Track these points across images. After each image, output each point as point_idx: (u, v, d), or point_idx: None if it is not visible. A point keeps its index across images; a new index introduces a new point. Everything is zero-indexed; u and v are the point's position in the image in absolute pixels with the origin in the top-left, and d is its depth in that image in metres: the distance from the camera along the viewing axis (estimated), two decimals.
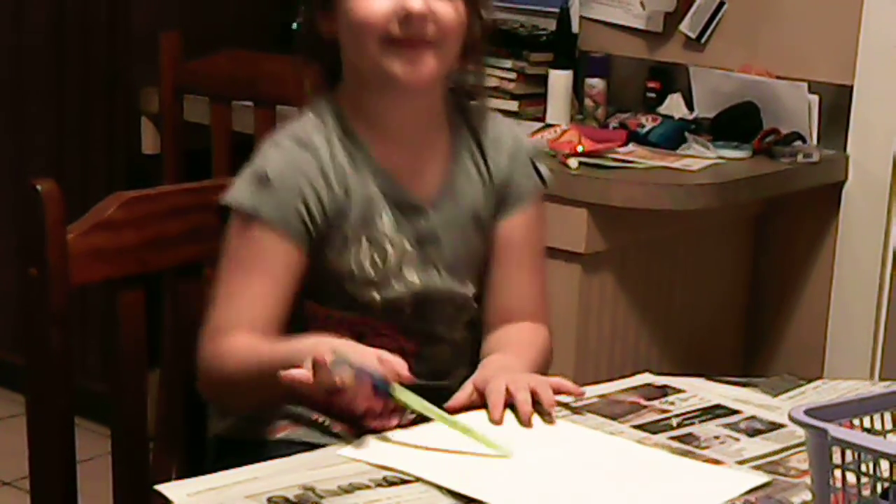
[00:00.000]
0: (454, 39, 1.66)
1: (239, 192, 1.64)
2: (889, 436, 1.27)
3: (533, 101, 3.17)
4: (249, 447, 1.65)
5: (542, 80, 3.14)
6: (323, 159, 1.65)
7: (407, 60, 1.63)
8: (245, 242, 1.62)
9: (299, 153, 1.65)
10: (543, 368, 1.71)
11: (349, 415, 1.50)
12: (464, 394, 1.58)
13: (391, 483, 1.35)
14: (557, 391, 1.58)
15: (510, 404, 1.54)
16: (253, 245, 1.62)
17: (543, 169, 1.80)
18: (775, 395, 1.69)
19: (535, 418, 1.54)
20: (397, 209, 1.68)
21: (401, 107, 1.69)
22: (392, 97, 1.67)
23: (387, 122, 1.69)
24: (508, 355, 1.67)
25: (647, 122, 2.95)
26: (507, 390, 1.54)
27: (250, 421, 1.68)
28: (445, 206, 1.71)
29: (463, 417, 1.51)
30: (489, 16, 1.73)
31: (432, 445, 1.45)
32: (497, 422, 1.51)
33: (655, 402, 1.64)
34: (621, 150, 2.84)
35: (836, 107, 3.04)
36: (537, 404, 1.54)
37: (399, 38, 1.62)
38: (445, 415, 1.48)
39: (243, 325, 1.60)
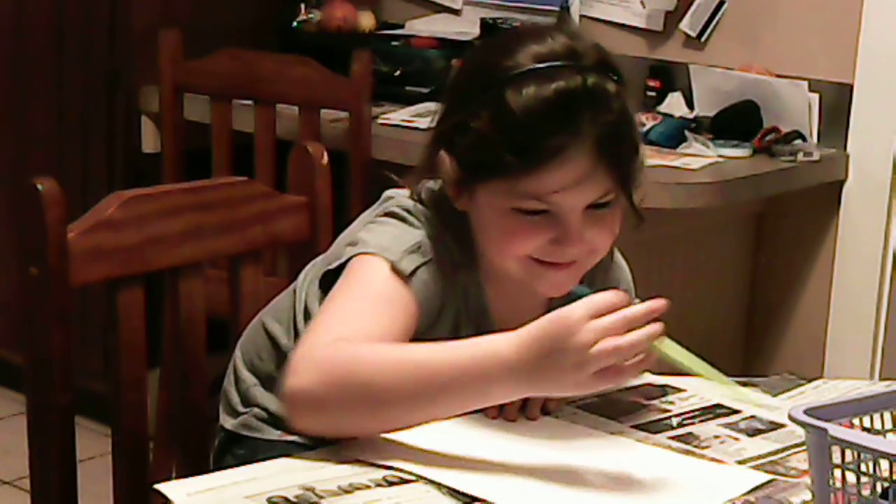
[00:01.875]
0: (606, 249, 1.56)
1: (395, 251, 1.50)
2: (889, 435, 1.27)
3: None
4: (257, 443, 1.65)
5: None
6: (448, 295, 1.54)
7: (550, 284, 1.52)
8: (385, 291, 1.48)
9: (440, 278, 1.53)
10: None
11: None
12: None
13: (391, 483, 1.35)
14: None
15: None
16: (393, 297, 1.48)
17: None
18: (775, 395, 1.69)
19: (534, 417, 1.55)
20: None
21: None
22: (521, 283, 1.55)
23: (508, 281, 1.56)
24: None
25: (648, 121, 2.95)
26: None
27: (262, 419, 1.68)
28: None
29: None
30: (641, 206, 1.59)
31: (433, 445, 1.45)
32: (492, 418, 1.51)
33: (655, 402, 1.64)
34: None
35: (837, 105, 3.04)
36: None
37: (546, 261, 1.50)
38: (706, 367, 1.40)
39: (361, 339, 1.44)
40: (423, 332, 1.52)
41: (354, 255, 1.52)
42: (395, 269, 1.50)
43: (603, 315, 1.32)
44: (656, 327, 1.34)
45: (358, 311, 1.47)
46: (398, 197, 1.60)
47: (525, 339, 1.34)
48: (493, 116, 1.49)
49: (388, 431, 1.42)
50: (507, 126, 1.48)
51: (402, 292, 1.50)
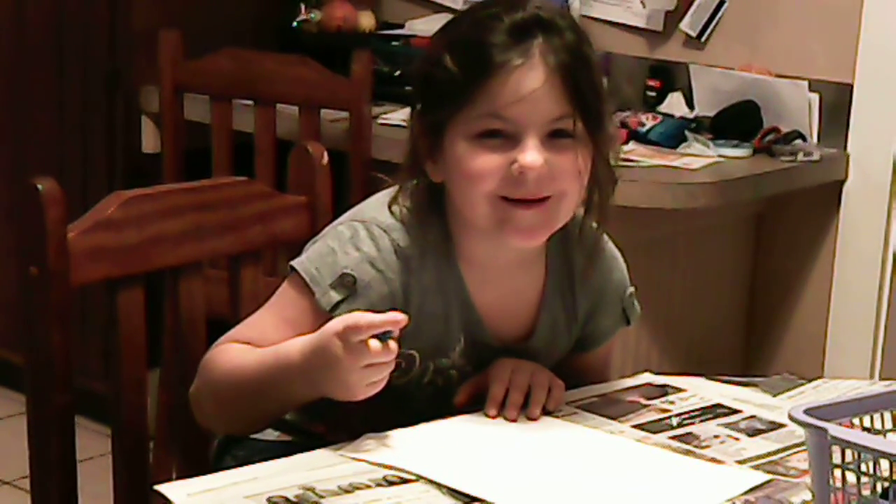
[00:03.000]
0: (574, 193, 1.53)
1: (321, 282, 1.53)
2: (889, 435, 1.27)
3: None
4: (256, 444, 1.65)
5: None
6: (412, 278, 1.55)
7: (520, 227, 1.51)
8: (301, 320, 1.53)
9: (395, 264, 1.54)
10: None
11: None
12: (470, 386, 1.59)
13: (391, 483, 1.35)
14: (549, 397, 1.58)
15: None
16: (308, 326, 1.51)
17: (633, 311, 1.70)
18: (775, 395, 1.69)
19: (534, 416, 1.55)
20: (473, 347, 1.60)
21: (507, 254, 1.58)
22: (499, 246, 1.56)
23: (488, 264, 1.59)
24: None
25: (648, 121, 2.95)
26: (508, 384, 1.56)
27: None
28: (519, 355, 1.61)
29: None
30: (616, 161, 1.58)
31: (433, 444, 1.45)
32: (492, 417, 1.53)
33: (655, 402, 1.64)
34: (622, 148, 2.84)
35: (837, 105, 3.04)
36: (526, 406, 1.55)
37: (512, 197, 1.50)
38: None
39: (242, 340, 1.56)
40: (412, 335, 1.52)
41: (295, 270, 1.56)
42: (317, 306, 1.53)
43: (359, 328, 1.39)
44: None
45: (263, 321, 1.57)
46: (370, 204, 1.61)
47: (307, 346, 1.45)
48: (446, 46, 1.53)
49: (256, 425, 1.57)
50: (458, 49, 1.52)
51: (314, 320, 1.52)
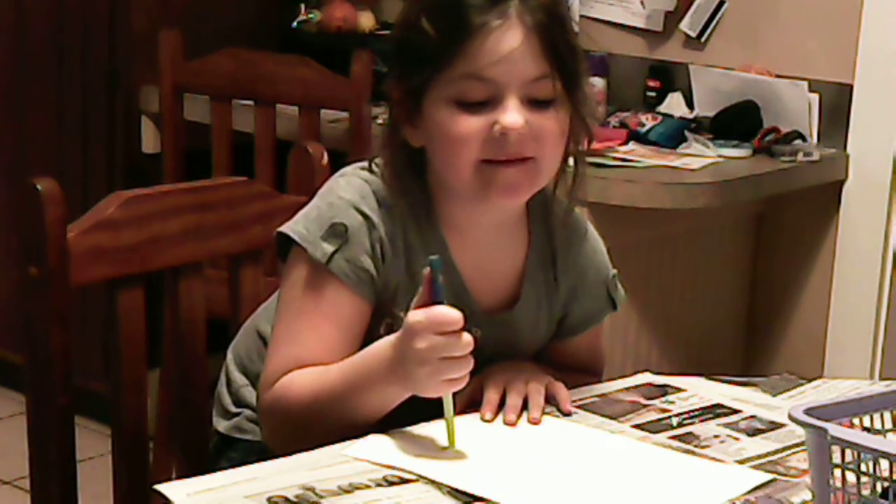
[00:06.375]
0: (555, 154, 1.53)
1: (311, 238, 1.53)
2: (889, 435, 1.27)
3: None
4: (251, 446, 1.65)
5: None
6: (396, 229, 1.55)
7: (503, 185, 1.51)
8: (313, 292, 1.53)
9: (378, 211, 1.55)
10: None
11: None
12: (466, 396, 1.58)
13: (391, 483, 1.35)
14: (550, 394, 1.58)
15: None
16: (322, 295, 1.53)
17: (618, 294, 1.71)
18: (775, 395, 1.69)
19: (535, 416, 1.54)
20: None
21: (489, 218, 1.59)
22: (481, 210, 1.57)
23: (469, 228, 1.59)
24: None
25: (648, 121, 2.96)
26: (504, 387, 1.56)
27: (253, 420, 1.68)
28: (503, 326, 1.62)
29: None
30: (593, 122, 1.59)
31: (433, 444, 1.45)
32: (487, 421, 1.53)
33: (655, 402, 1.64)
34: (621, 148, 2.84)
35: (837, 105, 3.04)
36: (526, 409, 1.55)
37: (495, 159, 1.50)
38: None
39: (304, 365, 1.52)
40: (403, 295, 1.54)
41: (290, 242, 1.54)
42: (313, 261, 1.52)
43: (441, 325, 1.38)
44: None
45: (299, 331, 1.54)
46: (347, 168, 1.61)
47: (398, 338, 1.43)
48: (423, 10, 1.53)
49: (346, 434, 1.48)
50: (435, 12, 1.52)
51: (330, 291, 1.53)
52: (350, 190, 1.55)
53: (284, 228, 1.56)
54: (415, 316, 1.40)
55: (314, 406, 1.49)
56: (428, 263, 1.42)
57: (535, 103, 1.51)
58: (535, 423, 1.53)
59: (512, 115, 1.49)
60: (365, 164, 1.60)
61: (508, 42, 1.49)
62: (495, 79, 1.49)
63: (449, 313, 1.39)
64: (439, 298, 1.41)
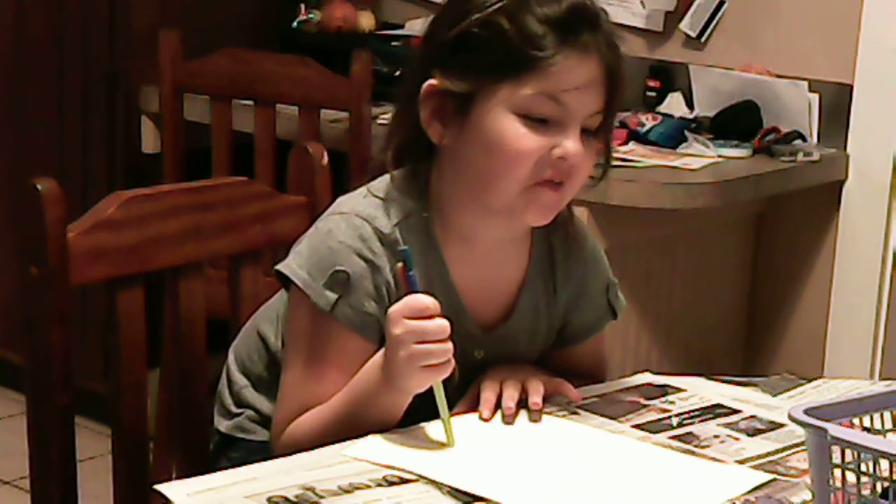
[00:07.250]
0: (584, 180, 1.55)
1: (314, 285, 1.52)
2: (889, 435, 1.27)
3: None
4: (251, 445, 1.65)
5: None
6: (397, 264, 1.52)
7: (542, 206, 1.52)
8: (318, 340, 1.53)
9: (381, 252, 1.53)
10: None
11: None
12: (465, 403, 1.58)
13: (391, 483, 1.35)
14: (556, 393, 1.58)
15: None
16: (328, 342, 1.53)
17: (618, 302, 1.71)
18: (775, 395, 1.69)
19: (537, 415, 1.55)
20: (456, 335, 1.52)
21: (497, 232, 1.59)
22: (491, 223, 1.57)
23: (474, 240, 1.58)
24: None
25: (648, 121, 2.95)
26: (500, 386, 1.56)
27: (255, 420, 1.68)
28: (501, 339, 1.62)
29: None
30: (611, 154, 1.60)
31: (433, 444, 1.45)
32: (485, 420, 1.53)
33: (655, 402, 1.64)
34: (621, 148, 2.84)
35: (837, 105, 3.04)
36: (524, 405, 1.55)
37: (541, 180, 1.50)
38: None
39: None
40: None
41: (291, 284, 1.54)
42: (317, 310, 1.52)
43: (414, 311, 1.42)
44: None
45: (307, 380, 1.54)
46: (348, 196, 1.60)
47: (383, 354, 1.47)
48: (507, 14, 1.49)
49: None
50: (525, 21, 1.49)
51: (335, 337, 1.53)
52: (350, 234, 1.53)
53: (285, 269, 1.54)
54: (393, 307, 1.43)
55: (326, 432, 1.49)
56: (399, 259, 1.45)
57: (584, 132, 1.51)
58: (536, 407, 1.54)
59: (576, 143, 1.50)
60: (363, 190, 1.59)
61: (590, 73, 1.50)
62: (568, 104, 1.49)
63: (422, 299, 1.42)
64: (415, 288, 1.43)
